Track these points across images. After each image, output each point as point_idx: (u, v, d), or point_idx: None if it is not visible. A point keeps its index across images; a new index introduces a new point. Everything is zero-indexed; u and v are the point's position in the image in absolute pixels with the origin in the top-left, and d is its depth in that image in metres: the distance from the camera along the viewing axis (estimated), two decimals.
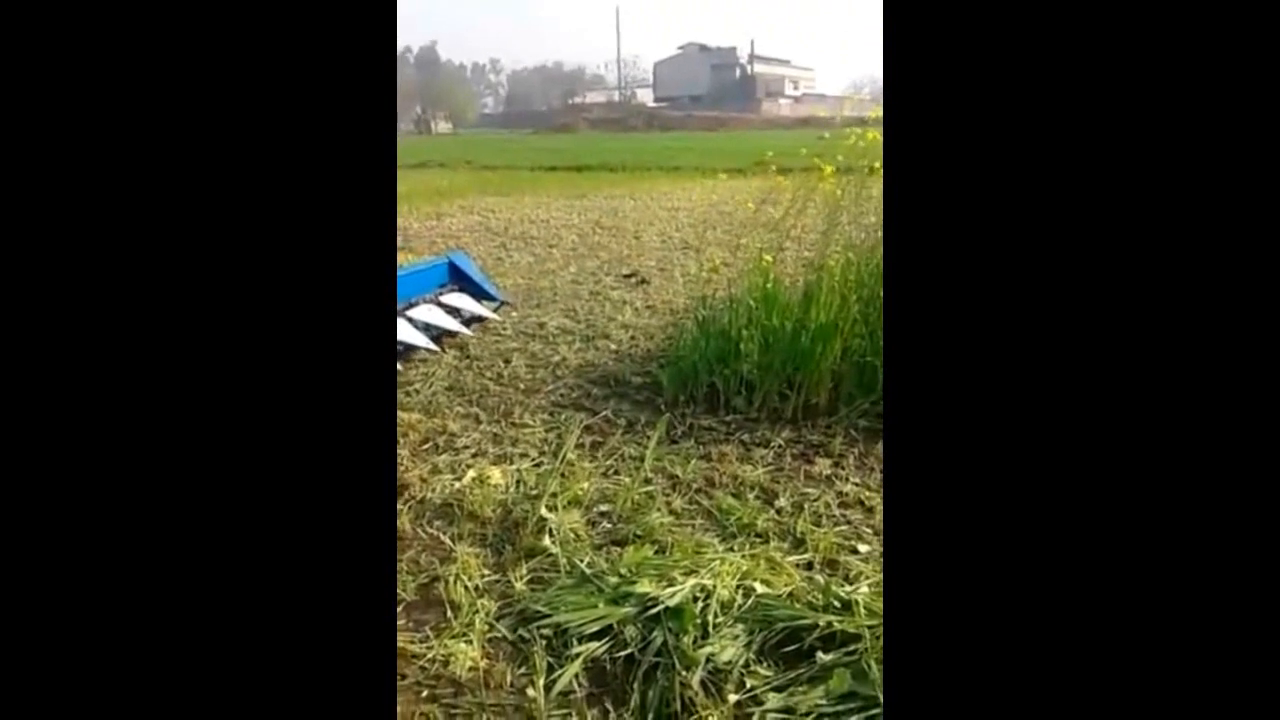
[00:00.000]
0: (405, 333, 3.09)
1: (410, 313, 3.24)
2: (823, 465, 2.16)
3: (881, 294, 2.49)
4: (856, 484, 2.05)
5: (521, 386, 2.84)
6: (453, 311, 3.49)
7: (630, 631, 1.41)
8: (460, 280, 3.71)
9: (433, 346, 3.13)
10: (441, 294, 3.53)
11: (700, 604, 1.45)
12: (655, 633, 1.40)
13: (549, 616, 1.46)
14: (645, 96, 54.34)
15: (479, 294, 3.74)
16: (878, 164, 2.56)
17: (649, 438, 2.30)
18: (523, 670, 1.37)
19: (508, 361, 3.14)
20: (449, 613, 1.53)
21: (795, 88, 51.97)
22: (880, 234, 2.65)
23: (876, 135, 2.51)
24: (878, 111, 2.90)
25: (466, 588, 1.59)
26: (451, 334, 3.38)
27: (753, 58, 50.78)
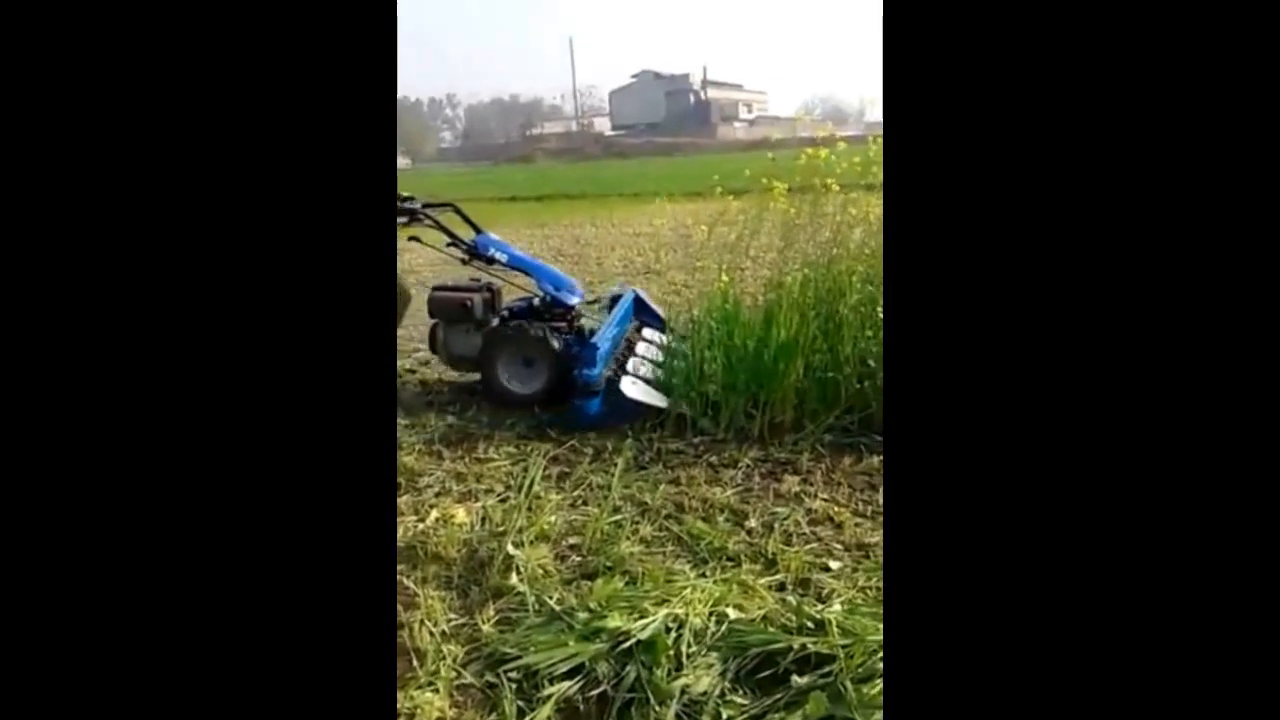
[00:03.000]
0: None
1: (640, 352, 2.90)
2: (791, 483, 2.16)
3: (839, 310, 2.52)
4: (825, 500, 2.05)
5: (485, 419, 2.79)
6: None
7: (602, 668, 1.37)
8: (643, 314, 3.39)
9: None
10: (641, 331, 3.23)
11: (673, 634, 1.42)
12: (628, 668, 1.36)
13: (518, 658, 1.41)
14: (603, 125, 54.97)
15: (660, 326, 3.33)
16: (829, 180, 2.60)
17: (616, 464, 2.27)
18: (493, 717, 1.32)
19: (471, 393, 3.09)
20: (414, 661, 1.47)
21: (749, 111, 53.18)
22: (834, 250, 2.69)
23: (824, 153, 2.56)
24: (829, 130, 2.96)
25: (432, 634, 1.54)
26: None
27: (706, 83, 51.91)
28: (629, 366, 2.77)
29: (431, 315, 3.03)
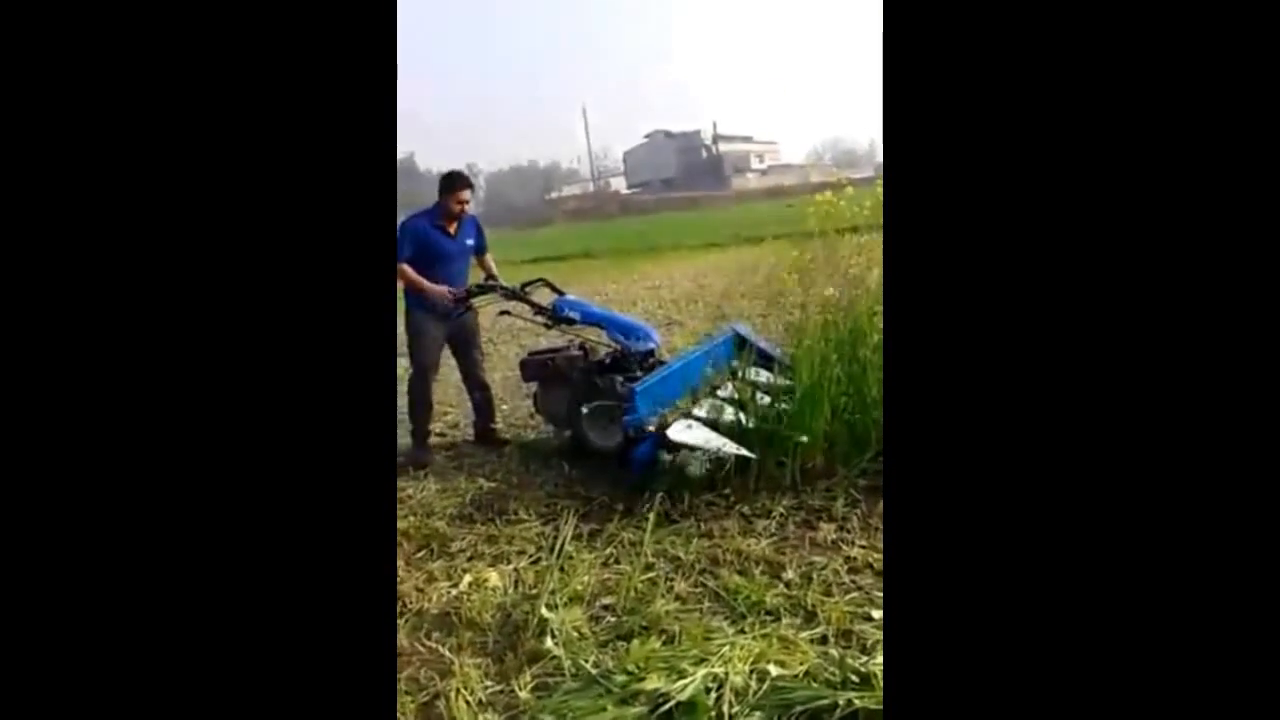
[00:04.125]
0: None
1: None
2: (827, 530, 2.11)
3: (861, 352, 2.51)
4: (863, 546, 2.00)
5: (515, 480, 2.79)
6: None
7: None
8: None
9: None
10: (739, 373, 2.89)
11: (713, 695, 1.37)
12: None
13: None
14: (619, 185, 56.28)
15: (768, 363, 2.94)
16: (840, 226, 2.64)
17: (648, 520, 2.24)
18: None
19: (500, 455, 3.11)
20: None
21: (761, 161, 54.07)
22: (853, 292, 2.70)
23: (834, 199, 2.60)
24: (838, 176, 3.01)
25: (468, 703, 1.51)
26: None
27: (716, 138, 53.11)
28: (701, 409, 2.58)
29: (524, 380, 3.15)
